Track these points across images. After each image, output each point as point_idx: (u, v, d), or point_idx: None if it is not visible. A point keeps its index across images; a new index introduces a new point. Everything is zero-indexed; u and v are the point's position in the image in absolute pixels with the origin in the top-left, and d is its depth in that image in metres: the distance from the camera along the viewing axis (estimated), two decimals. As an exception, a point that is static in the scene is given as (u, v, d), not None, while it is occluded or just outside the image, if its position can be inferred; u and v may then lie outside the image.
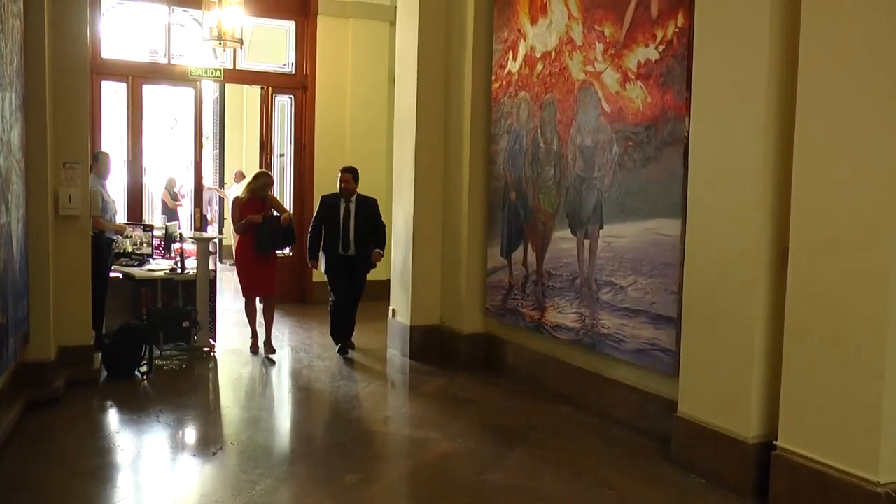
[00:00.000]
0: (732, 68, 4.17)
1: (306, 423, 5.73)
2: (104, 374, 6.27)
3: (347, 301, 7.30)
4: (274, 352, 7.22)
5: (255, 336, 7.39)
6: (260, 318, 7.49)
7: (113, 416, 5.54)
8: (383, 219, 7.47)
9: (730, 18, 4.19)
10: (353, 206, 7.20)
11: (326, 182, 9.96)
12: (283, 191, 10.42)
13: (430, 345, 7.27)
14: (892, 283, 3.46)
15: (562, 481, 4.42)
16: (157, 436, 5.08)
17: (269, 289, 7.33)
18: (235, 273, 7.57)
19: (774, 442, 3.97)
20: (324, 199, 7.44)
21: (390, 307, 7.70)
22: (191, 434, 5.25)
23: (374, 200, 7.39)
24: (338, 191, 7.28)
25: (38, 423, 5.10)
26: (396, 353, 7.46)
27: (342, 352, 7.35)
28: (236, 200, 7.34)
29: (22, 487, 4.13)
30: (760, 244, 4.06)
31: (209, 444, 4.95)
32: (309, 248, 7.35)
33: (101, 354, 6.35)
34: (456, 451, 4.89)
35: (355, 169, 7.38)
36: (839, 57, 3.64)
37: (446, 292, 7.30)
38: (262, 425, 5.34)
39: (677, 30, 4.67)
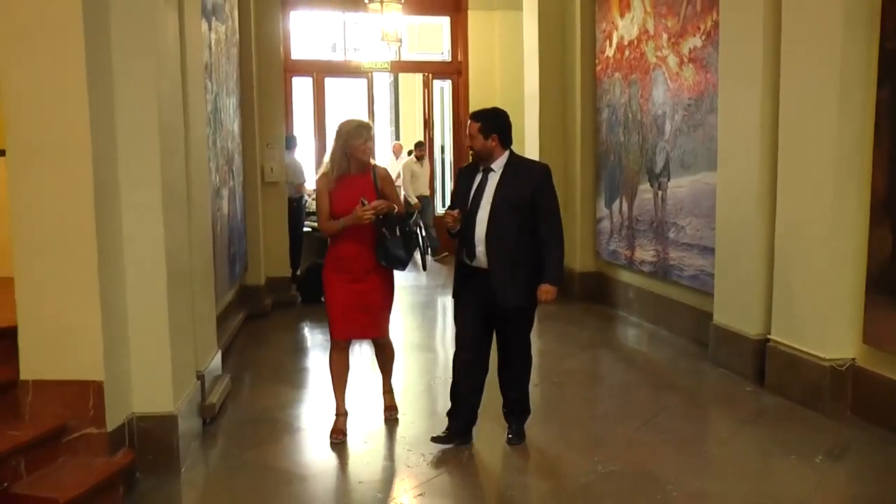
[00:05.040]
0: (740, 53, 5.43)
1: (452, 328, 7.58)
2: (299, 299, 8.47)
3: (477, 351, 4.26)
4: (396, 410, 4.75)
5: (339, 411, 4.52)
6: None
7: (306, 325, 7.66)
8: (551, 204, 4.21)
9: (738, 16, 5.45)
10: (492, 179, 4.13)
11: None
12: (443, 165, 12.32)
13: (552, 283, 8.79)
14: (835, 215, 4.68)
15: (617, 369, 5.99)
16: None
17: (376, 327, 4.52)
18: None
19: (768, 336, 5.27)
20: (460, 171, 4.49)
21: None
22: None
23: (541, 170, 4.25)
24: None
25: (254, 327, 7.31)
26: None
27: (445, 439, 4.29)
28: (321, 181, 4.45)
29: (247, 362, 6.25)
30: (761, 186, 5.32)
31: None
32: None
33: (296, 285, 8.56)
34: (546, 351, 6.53)
35: (489, 113, 4.21)
36: (805, 49, 4.86)
37: (566, 239, 8.69)
38: (422, 331, 7.26)
39: (713, 23, 5.93)
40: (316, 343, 6.89)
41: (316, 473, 4.09)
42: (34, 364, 3.60)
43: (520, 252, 4.11)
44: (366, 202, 4.22)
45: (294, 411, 5.04)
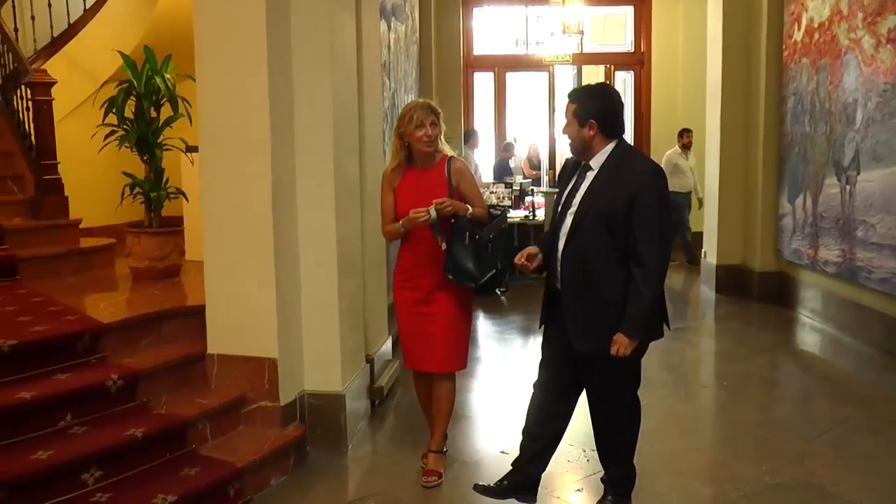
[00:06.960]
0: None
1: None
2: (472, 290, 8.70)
3: (554, 393, 3.47)
4: (437, 476, 3.88)
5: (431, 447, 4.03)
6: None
7: (481, 314, 7.84)
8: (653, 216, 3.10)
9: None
10: (586, 180, 3.21)
11: (661, 148, 11.43)
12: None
13: (732, 281, 8.37)
14: None
15: (794, 375, 5.71)
16: (511, 325, 7.33)
17: (436, 358, 3.82)
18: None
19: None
20: (562, 168, 3.66)
21: (703, 249, 8.99)
22: (534, 327, 7.35)
23: (646, 172, 3.14)
24: None
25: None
26: (706, 288, 8.73)
27: (492, 491, 3.57)
28: (385, 178, 3.86)
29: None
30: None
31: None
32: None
33: (470, 276, 8.79)
34: (720, 352, 6.30)
35: (588, 91, 3.31)
36: None
37: (746, 235, 8.40)
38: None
39: (916, 0, 5.45)
40: (487, 334, 7.09)
41: (478, 459, 4.21)
42: (219, 340, 4.05)
43: (606, 281, 3.13)
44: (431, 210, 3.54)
45: (461, 398, 5.17)
